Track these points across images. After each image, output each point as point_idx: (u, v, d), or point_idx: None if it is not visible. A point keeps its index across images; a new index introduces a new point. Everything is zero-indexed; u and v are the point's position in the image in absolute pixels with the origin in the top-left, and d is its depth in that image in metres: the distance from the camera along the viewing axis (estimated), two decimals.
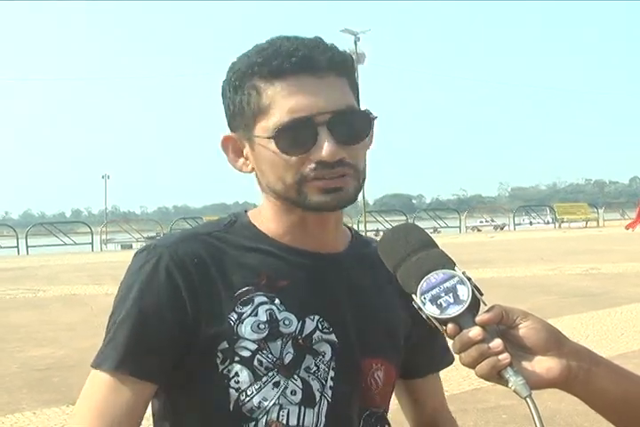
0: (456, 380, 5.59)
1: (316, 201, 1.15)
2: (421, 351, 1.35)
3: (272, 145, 1.14)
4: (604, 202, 55.78)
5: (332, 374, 1.20)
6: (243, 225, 1.26)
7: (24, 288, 13.03)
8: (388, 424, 1.29)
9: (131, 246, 33.28)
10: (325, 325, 1.20)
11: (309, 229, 1.23)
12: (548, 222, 37.81)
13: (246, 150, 1.20)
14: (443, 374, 1.46)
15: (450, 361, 1.41)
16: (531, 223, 39.32)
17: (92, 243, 28.24)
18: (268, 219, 1.24)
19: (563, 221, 34.31)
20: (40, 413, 5.36)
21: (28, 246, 26.32)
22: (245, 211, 1.29)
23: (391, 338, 1.29)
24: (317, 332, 1.20)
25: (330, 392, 1.19)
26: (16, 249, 26.40)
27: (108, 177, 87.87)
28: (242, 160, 1.22)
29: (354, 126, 1.15)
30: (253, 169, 1.21)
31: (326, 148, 1.12)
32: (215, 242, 1.22)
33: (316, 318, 1.20)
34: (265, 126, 1.14)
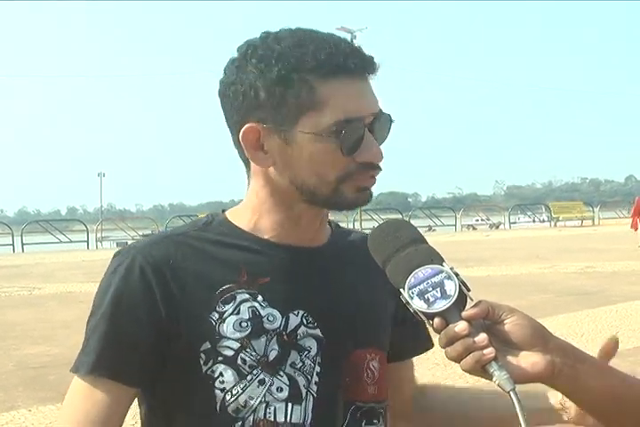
0: (451, 377, 5.58)
1: (351, 199, 1.17)
2: (406, 334, 1.34)
3: (323, 142, 1.13)
4: (599, 201, 55.94)
5: (317, 369, 1.19)
6: (220, 223, 1.24)
7: (19, 286, 13.04)
8: (378, 419, 1.27)
9: (126, 244, 33.23)
10: (310, 319, 1.20)
11: (301, 224, 1.22)
12: (544, 221, 37.86)
13: (271, 144, 1.16)
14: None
15: (430, 347, 1.42)
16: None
17: (87, 241, 28.27)
18: (256, 214, 1.22)
19: (558, 220, 34.41)
20: (36, 410, 5.38)
21: (23, 244, 26.34)
22: (223, 210, 1.28)
23: (380, 326, 1.29)
24: (302, 327, 1.19)
25: (315, 388, 1.19)
26: (11, 247, 26.41)
27: (104, 175, 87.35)
28: (261, 154, 1.18)
29: (384, 128, 1.19)
30: (273, 163, 1.18)
31: (375, 150, 1.15)
32: (191, 241, 1.21)
33: (301, 313, 1.19)
34: (314, 123, 1.13)
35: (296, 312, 1.19)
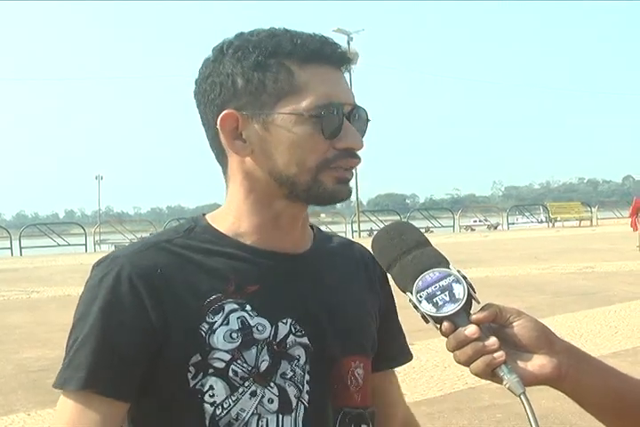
0: (450, 379, 5.59)
1: (331, 190, 1.14)
2: (386, 345, 1.34)
3: (304, 124, 1.12)
4: (597, 201, 55.93)
5: (307, 377, 1.17)
6: (203, 229, 1.20)
7: (18, 289, 13.01)
8: (367, 424, 1.26)
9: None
10: (298, 328, 1.17)
11: (281, 225, 1.19)
12: (542, 221, 37.83)
13: (249, 131, 1.14)
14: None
15: (409, 359, 1.42)
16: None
17: (85, 244, 28.18)
18: (237, 217, 1.19)
19: (556, 220, 34.38)
20: (34, 414, 5.37)
21: (21, 247, 26.28)
22: (203, 214, 1.25)
23: (365, 333, 1.28)
24: (291, 336, 1.16)
25: (307, 397, 1.16)
26: (9, 250, 26.33)
27: (102, 178, 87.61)
28: (239, 143, 1.15)
29: (362, 122, 1.18)
30: (251, 152, 1.15)
31: (354, 136, 1.14)
32: (177, 249, 1.16)
33: (289, 321, 1.16)
34: (295, 106, 1.12)
35: (285, 321, 1.16)
